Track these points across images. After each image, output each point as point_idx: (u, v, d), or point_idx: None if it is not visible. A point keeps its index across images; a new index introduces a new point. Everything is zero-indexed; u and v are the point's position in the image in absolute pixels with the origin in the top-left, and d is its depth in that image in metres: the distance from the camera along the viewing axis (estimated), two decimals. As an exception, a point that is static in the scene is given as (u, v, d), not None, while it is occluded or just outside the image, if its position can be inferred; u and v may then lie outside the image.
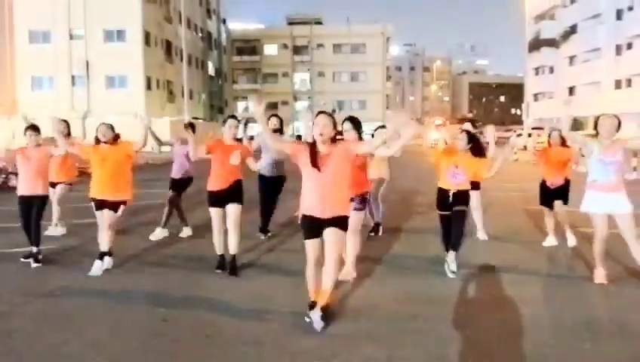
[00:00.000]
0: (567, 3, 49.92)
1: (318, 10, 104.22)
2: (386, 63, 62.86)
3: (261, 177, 7.73)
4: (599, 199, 5.43)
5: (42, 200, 6.55)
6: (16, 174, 12.43)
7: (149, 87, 40.05)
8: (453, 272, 5.81)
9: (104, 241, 6.15)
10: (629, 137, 5.74)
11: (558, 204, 7.06)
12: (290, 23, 66.63)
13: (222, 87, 59.07)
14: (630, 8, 41.71)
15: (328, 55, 62.34)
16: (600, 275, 5.53)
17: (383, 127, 8.00)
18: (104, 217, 6.15)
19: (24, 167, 6.52)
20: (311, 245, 4.42)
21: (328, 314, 4.38)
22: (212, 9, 56.49)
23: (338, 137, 4.50)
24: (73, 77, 39.21)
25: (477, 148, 6.01)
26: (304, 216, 4.42)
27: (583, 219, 5.83)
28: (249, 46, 64.11)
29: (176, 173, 8.02)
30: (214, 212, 6.04)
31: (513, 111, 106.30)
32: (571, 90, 49.34)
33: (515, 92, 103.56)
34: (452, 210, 5.87)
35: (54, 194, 7.90)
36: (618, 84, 43.02)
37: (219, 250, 6.11)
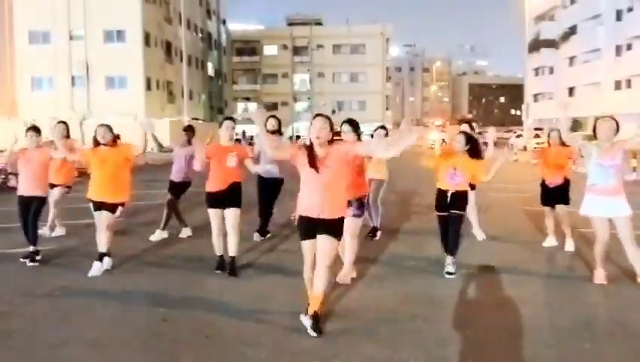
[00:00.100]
0: (567, 4, 49.91)
1: (317, 11, 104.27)
2: (385, 64, 62.87)
3: (260, 179, 7.73)
4: (599, 203, 5.43)
5: (41, 201, 6.56)
6: (15, 175, 12.47)
7: (148, 87, 40.03)
8: (450, 274, 5.82)
9: (102, 242, 6.15)
10: (628, 137, 5.72)
11: (560, 208, 7.06)
12: (290, 24, 66.66)
13: (222, 88, 59.06)
14: (630, 9, 41.71)
15: (328, 56, 62.34)
16: (600, 276, 5.53)
17: (383, 127, 7.99)
18: (102, 218, 6.15)
19: (25, 168, 6.52)
20: (307, 246, 4.42)
21: (320, 321, 4.31)
22: (212, 10, 56.50)
23: (336, 138, 4.49)
24: (73, 77, 39.18)
25: (474, 149, 6.02)
26: (301, 217, 4.44)
27: (583, 220, 5.83)
28: (249, 47, 64.12)
29: (175, 175, 8.02)
30: (213, 213, 6.04)
31: (513, 111, 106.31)
32: (571, 91, 49.33)
33: (514, 93, 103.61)
34: (449, 213, 5.88)
35: (52, 196, 7.89)
36: (618, 85, 43.00)
37: (218, 251, 6.11)
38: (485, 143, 6.84)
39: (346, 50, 62.09)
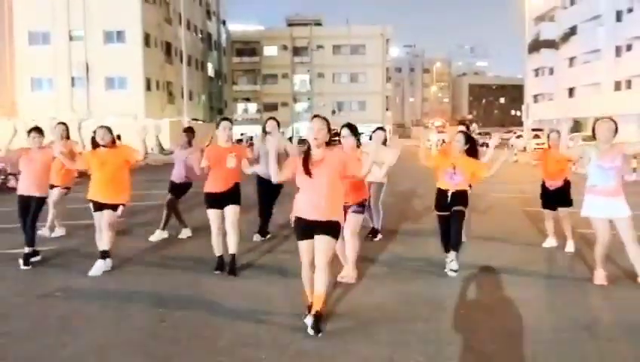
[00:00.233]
0: (566, 4, 49.93)
1: (317, 12, 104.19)
2: (385, 64, 62.88)
3: (259, 180, 7.72)
4: (599, 204, 5.43)
5: (40, 202, 6.56)
6: (15, 175, 12.48)
7: (148, 88, 40.03)
8: (454, 271, 5.83)
9: (104, 241, 6.15)
10: (631, 142, 5.72)
11: (562, 211, 7.05)
12: (290, 24, 66.68)
13: (221, 89, 59.08)
14: (630, 10, 41.73)
15: (328, 56, 62.36)
16: (600, 276, 5.53)
17: (381, 128, 8.01)
18: (104, 216, 6.15)
19: (27, 168, 6.53)
20: (304, 247, 4.44)
21: (321, 320, 4.33)
22: (212, 10, 56.51)
23: (335, 139, 4.52)
24: (73, 78, 39.18)
25: (473, 149, 6.04)
26: (297, 219, 4.45)
27: (584, 221, 5.83)
28: (249, 47, 64.13)
29: (175, 176, 8.01)
30: (212, 213, 6.04)
31: (513, 112, 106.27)
32: (571, 92, 49.34)
33: (514, 93, 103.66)
34: (450, 211, 5.88)
35: (52, 196, 7.89)
36: (618, 86, 43.01)
37: (217, 251, 6.10)
38: (485, 144, 6.85)
39: (346, 51, 62.11)
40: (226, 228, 6.03)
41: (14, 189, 7.27)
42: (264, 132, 7.86)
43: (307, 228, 4.38)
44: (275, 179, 4.61)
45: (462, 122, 7.51)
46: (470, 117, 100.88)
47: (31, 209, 6.46)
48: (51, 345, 4.14)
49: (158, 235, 7.85)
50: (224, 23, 61.46)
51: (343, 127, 5.74)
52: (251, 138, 15.72)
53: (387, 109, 63.40)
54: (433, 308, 4.88)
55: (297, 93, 63.65)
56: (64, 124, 8.11)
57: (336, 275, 5.52)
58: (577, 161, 7.15)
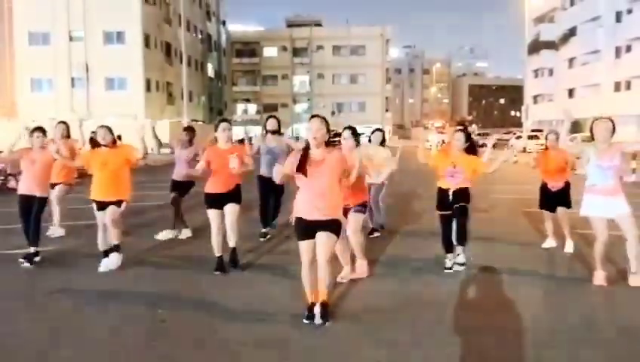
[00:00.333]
0: (566, 5, 49.99)
1: (317, 12, 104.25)
2: (385, 65, 62.97)
3: (260, 178, 7.72)
4: (598, 203, 5.45)
5: (41, 202, 6.57)
6: (15, 175, 12.48)
7: (148, 89, 40.06)
8: (461, 264, 5.91)
9: (112, 236, 6.20)
10: (630, 141, 5.74)
11: (561, 210, 7.06)
12: (290, 25, 66.75)
13: (221, 89, 59.11)
14: (629, 11, 41.80)
15: (328, 57, 62.43)
16: (599, 277, 5.53)
17: (379, 130, 8.08)
18: (107, 213, 6.17)
19: (28, 169, 6.54)
20: (304, 247, 4.45)
21: (328, 309, 4.46)
22: (212, 11, 56.55)
23: (334, 140, 4.55)
24: (73, 79, 39.23)
25: (472, 147, 6.06)
26: (297, 219, 4.48)
27: (583, 222, 5.83)
28: (248, 48, 64.21)
29: (177, 175, 7.99)
30: (212, 213, 6.05)
31: (513, 113, 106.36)
32: (571, 92, 49.40)
33: (514, 94, 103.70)
34: (453, 208, 5.90)
35: (54, 194, 7.92)
36: (617, 87, 43.07)
37: (217, 252, 6.11)
38: (485, 145, 6.86)
39: (346, 52, 62.18)
40: (226, 226, 6.06)
41: (14, 190, 7.28)
42: (265, 131, 7.87)
43: (308, 229, 4.40)
44: (277, 180, 4.64)
45: (461, 123, 7.54)
46: (470, 118, 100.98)
47: (33, 209, 6.47)
48: (51, 346, 4.14)
49: (166, 234, 7.86)
50: (224, 23, 61.51)
51: (345, 129, 5.86)
52: (250, 138, 15.68)
53: (387, 110, 63.46)
54: (433, 308, 4.88)
55: (297, 94, 63.70)
56: (65, 123, 8.13)
57: (336, 276, 5.52)
58: (575, 164, 7.16)
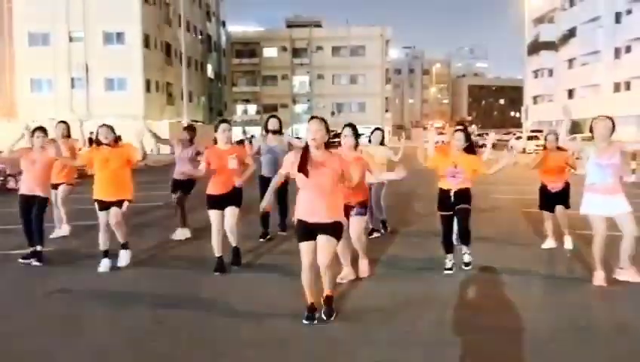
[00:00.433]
0: (566, 6, 50.01)
1: (317, 13, 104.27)
2: (385, 66, 62.93)
3: (262, 178, 7.72)
4: (598, 201, 5.46)
5: (42, 202, 6.58)
6: (14, 176, 12.48)
7: (148, 89, 40.05)
8: (467, 264, 5.95)
9: (119, 235, 6.28)
10: (630, 140, 5.76)
11: (559, 208, 7.07)
12: (290, 26, 66.75)
13: (221, 90, 59.11)
14: (629, 12, 41.82)
15: (327, 57, 62.41)
16: (599, 277, 5.53)
17: (379, 129, 8.09)
18: (111, 216, 6.19)
19: (29, 169, 6.55)
20: (305, 248, 4.45)
21: (333, 306, 4.58)
22: (212, 12, 56.56)
23: (334, 140, 4.56)
24: (72, 79, 39.20)
25: (470, 147, 6.07)
26: (298, 221, 4.48)
27: (582, 222, 5.84)
28: (248, 49, 64.19)
29: (179, 175, 7.96)
30: (213, 214, 6.06)
31: (512, 113, 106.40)
32: (570, 93, 49.40)
33: (514, 94, 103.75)
34: (455, 210, 5.91)
35: (57, 196, 7.94)
36: (617, 87, 43.09)
37: (217, 252, 6.11)
38: (484, 145, 6.88)
39: (346, 52, 62.15)
40: (225, 228, 6.09)
41: (14, 190, 7.28)
42: (266, 131, 7.87)
43: (308, 231, 4.41)
44: (276, 184, 4.69)
45: (460, 123, 7.55)
46: (469, 118, 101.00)
47: (33, 209, 6.47)
48: (51, 345, 4.14)
49: (180, 234, 7.87)
50: (224, 24, 61.52)
51: (345, 126, 5.80)
52: (252, 137, 15.65)
53: (386, 111, 63.44)
54: (433, 308, 4.88)
55: (297, 95, 63.69)
56: (65, 122, 8.14)
57: (336, 276, 5.52)
58: (574, 165, 7.17)
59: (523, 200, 11.63)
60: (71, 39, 39.00)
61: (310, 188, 4.36)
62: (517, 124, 66.05)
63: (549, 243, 7.25)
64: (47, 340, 4.26)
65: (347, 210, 5.37)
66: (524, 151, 32.99)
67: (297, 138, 9.37)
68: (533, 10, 49.69)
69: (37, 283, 5.79)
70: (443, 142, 12.82)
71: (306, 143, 4.39)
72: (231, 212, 6.07)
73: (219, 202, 6.05)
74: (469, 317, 4.76)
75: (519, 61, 61.67)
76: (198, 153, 7.55)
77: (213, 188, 6.06)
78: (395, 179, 5.39)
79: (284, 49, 63.33)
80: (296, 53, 63.38)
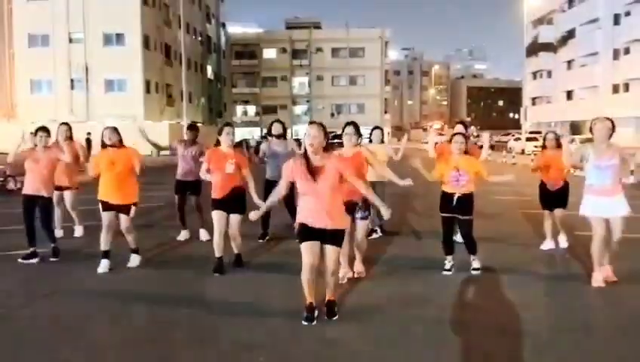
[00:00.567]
0: (565, 8, 50.10)
1: (316, 14, 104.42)
2: (384, 67, 62.98)
3: (267, 182, 7.72)
4: (596, 203, 5.47)
5: (46, 202, 6.60)
6: (14, 177, 12.49)
7: (148, 90, 40.06)
8: (476, 269, 5.97)
9: (129, 242, 6.33)
10: (630, 147, 5.80)
11: (558, 211, 7.10)
12: (289, 27, 66.77)
13: (221, 91, 59.12)
14: (627, 13, 41.92)
15: (327, 59, 62.46)
16: (598, 278, 5.54)
17: (378, 128, 8.10)
18: (122, 223, 6.25)
19: (33, 169, 6.56)
20: (307, 247, 4.45)
21: (334, 308, 4.61)
22: (211, 13, 56.59)
23: (334, 142, 4.58)
24: (72, 80, 39.22)
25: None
26: (300, 224, 4.50)
27: (582, 223, 5.85)
28: (248, 50, 64.21)
29: (185, 176, 7.85)
30: (217, 214, 6.09)
31: (511, 115, 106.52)
32: (569, 95, 49.48)
33: (513, 96, 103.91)
34: (458, 218, 5.97)
35: (66, 201, 7.92)
36: (616, 89, 43.16)
37: (218, 253, 6.12)
38: (480, 146, 6.91)
39: (345, 54, 62.19)
40: (229, 234, 6.18)
41: (14, 191, 7.28)
42: (270, 135, 7.91)
43: (309, 233, 4.43)
44: (277, 196, 4.73)
45: (461, 122, 7.55)
46: (468, 119, 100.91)
47: (37, 209, 6.49)
48: (50, 346, 4.14)
49: (203, 235, 7.84)
50: (223, 25, 61.55)
51: (347, 124, 5.78)
52: (258, 144, 15.53)
53: (386, 112, 63.47)
54: (433, 309, 4.89)
55: (296, 96, 63.71)
56: (67, 124, 8.11)
57: (339, 281, 5.52)
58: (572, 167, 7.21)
59: (522, 200, 11.65)
60: (71, 40, 39.02)
61: (311, 193, 4.38)
62: (516, 125, 66.05)
63: (548, 244, 7.26)
64: (46, 339, 4.26)
65: (350, 207, 5.38)
66: (523, 152, 33.02)
67: (297, 140, 9.39)
68: (533, 11, 49.74)
69: (37, 283, 5.80)
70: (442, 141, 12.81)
71: (305, 150, 4.42)
72: (234, 219, 6.14)
73: (223, 204, 6.10)
74: (469, 317, 4.77)
75: (518, 63, 61.70)
76: (201, 153, 7.53)
77: (217, 193, 6.12)
78: (399, 184, 5.49)
79: (284, 50, 63.36)
80: (296, 54, 63.41)
